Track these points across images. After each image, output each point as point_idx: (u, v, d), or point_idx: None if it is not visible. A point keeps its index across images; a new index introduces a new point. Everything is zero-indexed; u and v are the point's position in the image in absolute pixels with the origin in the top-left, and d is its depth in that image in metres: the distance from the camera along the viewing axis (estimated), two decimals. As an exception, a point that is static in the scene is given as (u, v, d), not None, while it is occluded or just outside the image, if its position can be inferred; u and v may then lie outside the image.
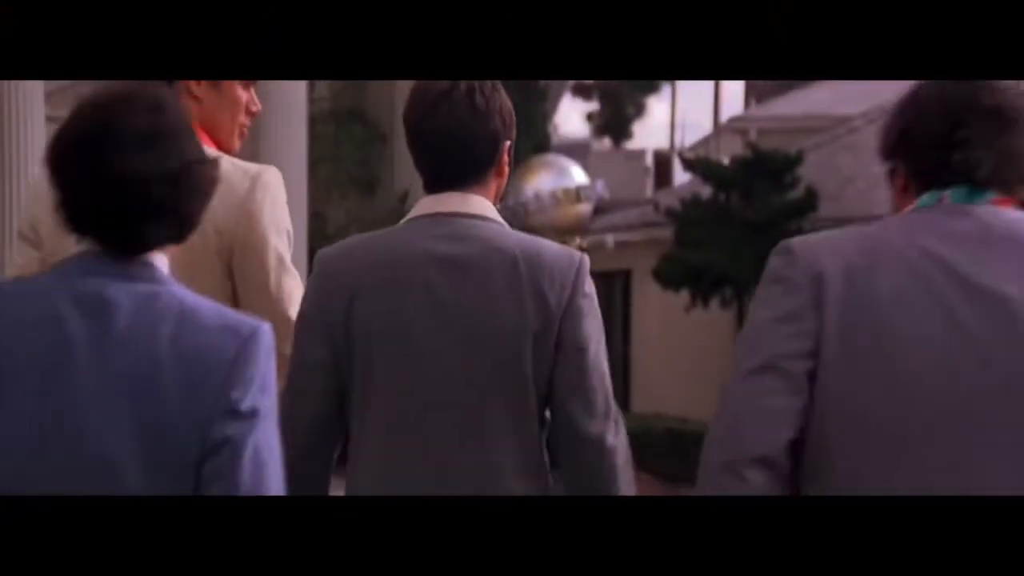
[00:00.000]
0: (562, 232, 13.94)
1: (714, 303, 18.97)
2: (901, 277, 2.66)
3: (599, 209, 17.55)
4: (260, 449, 2.45)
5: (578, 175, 14.66)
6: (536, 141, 18.19)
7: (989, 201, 2.75)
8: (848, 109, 26.11)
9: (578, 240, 14.24)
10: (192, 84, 3.70)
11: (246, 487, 2.43)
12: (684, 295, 18.93)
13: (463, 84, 3.45)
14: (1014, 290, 2.60)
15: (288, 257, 3.64)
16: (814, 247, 2.86)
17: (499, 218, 3.36)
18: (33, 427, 2.41)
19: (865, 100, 26.56)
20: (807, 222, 18.59)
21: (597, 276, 3.67)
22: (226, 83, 3.76)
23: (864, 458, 2.66)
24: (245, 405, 2.46)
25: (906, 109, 2.86)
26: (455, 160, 3.36)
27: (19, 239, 3.71)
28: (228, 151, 3.75)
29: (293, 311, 3.42)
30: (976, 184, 2.74)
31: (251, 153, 16.48)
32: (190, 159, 2.52)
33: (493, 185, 3.41)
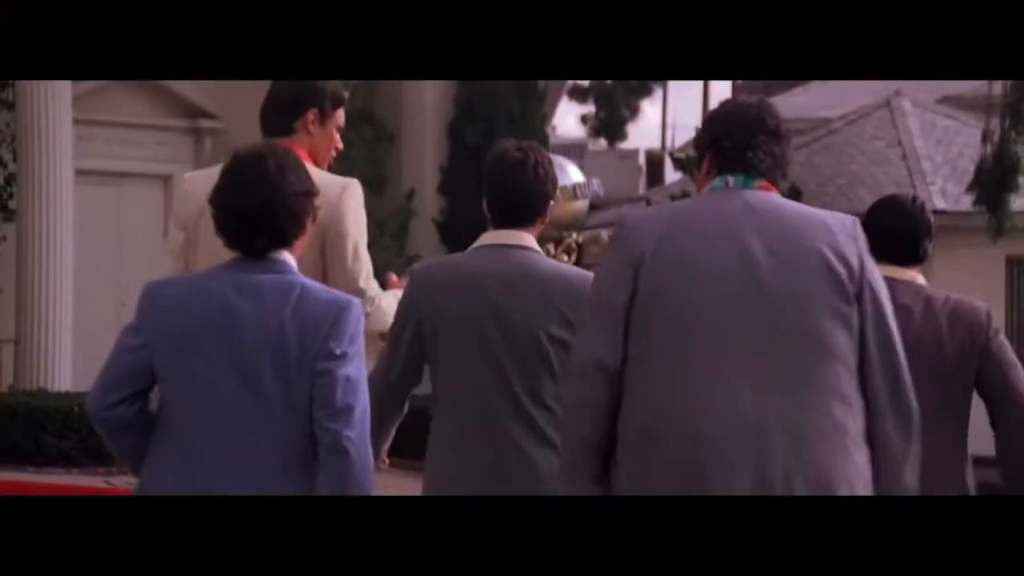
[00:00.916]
0: (560, 227, 13.76)
1: (703, 294, 18.92)
2: (696, 237, 3.66)
3: (595, 206, 17.43)
4: (349, 378, 3.60)
5: (575, 174, 14.46)
6: (535, 141, 18.13)
7: (758, 187, 3.75)
8: (827, 112, 26.07)
9: (575, 235, 14.15)
10: (309, 120, 4.74)
11: (340, 403, 3.59)
12: (675, 287, 18.88)
13: (532, 156, 4.46)
14: (761, 243, 3.60)
15: (363, 245, 4.66)
16: (638, 220, 3.85)
17: (539, 249, 4.44)
18: (215, 371, 3.65)
19: (842, 104, 26.53)
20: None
21: (594, 268, 4.44)
22: (329, 124, 4.83)
23: (653, 366, 3.58)
24: (339, 350, 3.61)
25: (716, 120, 3.87)
26: (520, 210, 4.42)
27: (174, 226, 4.82)
28: (321, 165, 4.77)
29: (362, 283, 4.58)
30: (751, 175, 3.73)
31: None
32: (298, 192, 3.70)
33: (539, 227, 4.46)
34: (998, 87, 17.89)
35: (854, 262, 3.61)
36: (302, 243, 3.81)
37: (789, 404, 3.50)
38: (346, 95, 5.07)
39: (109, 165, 16.59)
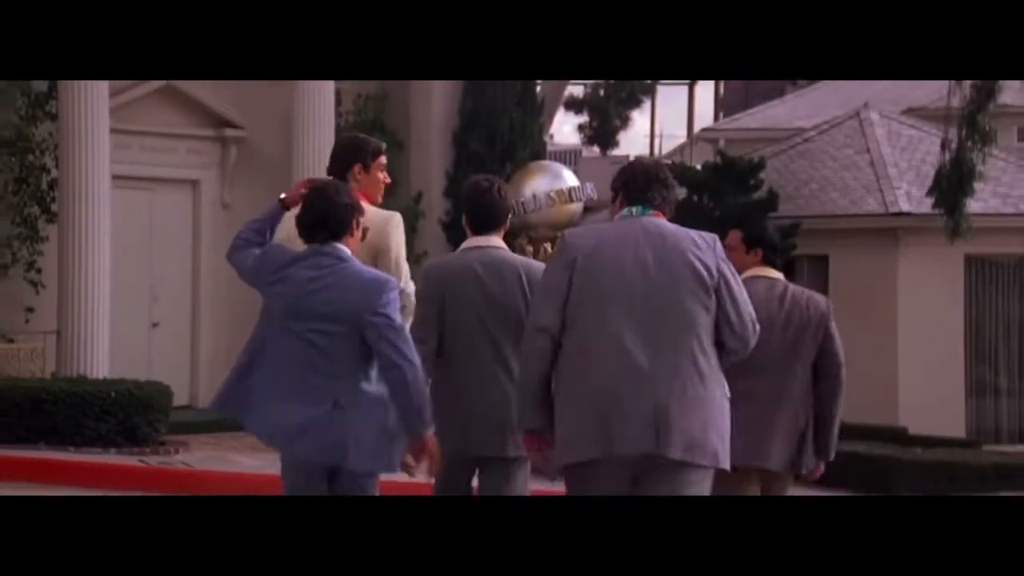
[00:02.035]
0: (556, 227, 13.83)
1: (688, 289, 18.92)
2: (611, 249, 5.10)
3: (588, 208, 17.44)
4: (394, 327, 5.17)
5: (570, 178, 14.51)
6: (533, 149, 18.11)
7: (652, 215, 5.23)
8: (802, 122, 26.10)
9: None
10: (355, 171, 5.95)
11: (388, 345, 5.14)
12: (662, 282, 18.88)
13: (495, 184, 5.89)
14: (651, 254, 5.08)
15: (403, 258, 5.89)
16: (576, 236, 5.25)
17: (506, 247, 5.83)
18: (287, 339, 5.31)
19: (816, 115, 26.57)
20: (768, 219, 18.57)
21: None
22: (372, 170, 6.02)
23: (581, 340, 5.02)
24: (381, 311, 5.16)
25: (626, 172, 5.36)
26: (490, 222, 5.85)
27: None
28: (374, 203, 5.93)
29: (402, 284, 5.68)
30: (648, 207, 5.22)
31: (287, 159, 16.42)
32: (346, 205, 5.38)
33: (502, 231, 5.86)
34: (957, 99, 17.91)
35: (712, 265, 5.13)
36: (353, 241, 5.36)
37: (667, 355, 4.97)
38: (383, 145, 6.20)
39: (143, 171, 16.60)
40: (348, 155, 6.03)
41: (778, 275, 6.64)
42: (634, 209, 5.19)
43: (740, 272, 5.99)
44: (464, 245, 5.83)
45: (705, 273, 5.04)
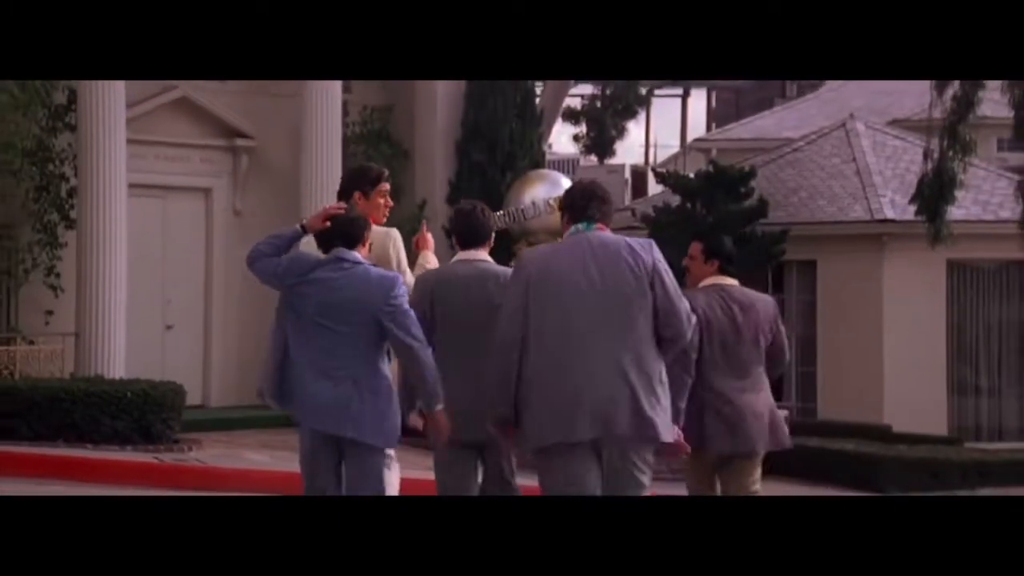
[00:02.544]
0: (554, 233, 13.79)
1: (681, 293, 18.90)
2: (565, 264, 5.68)
3: (585, 215, 17.52)
4: (404, 315, 5.93)
5: (568, 186, 14.50)
6: (533, 158, 18.11)
7: (596, 228, 5.75)
8: (791, 133, 26.10)
9: (568, 241, 14.14)
10: (356, 198, 6.52)
11: (401, 329, 5.91)
12: (656, 286, 18.86)
13: (478, 206, 6.52)
14: (598, 264, 5.62)
15: (405, 264, 6.59)
16: (528, 257, 5.90)
17: (490, 260, 6.44)
18: (309, 305, 6.03)
19: (804, 126, 26.56)
20: (759, 226, 18.62)
21: None
22: (373, 197, 6.59)
23: (541, 343, 5.62)
24: (392, 303, 5.93)
25: (570, 194, 5.95)
26: (475, 238, 6.46)
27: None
28: (378, 223, 6.51)
29: (407, 278, 6.40)
30: (592, 222, 5.75)
31: (296, 168, 16.44)
32: (358, 221, 6.16)
33: (487, 247, 6.45)
34: (938, 111, 17.93)
35: (648, 264, 5.62)
36: (363, 250, 6.11)
37: (616, 346, 5.56)
38: (386, 171, 6.78)
39: (157, 179, 16.62)
40: (350, 183, 6.66)
41: (733, 282, 7.34)
42: (580, 226, 5.75)
43: (699, 280, 7.31)
44: (455, 258, 6.47)
45: (643, 273, 5.58)
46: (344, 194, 6.58)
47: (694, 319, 5.84)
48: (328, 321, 5.95)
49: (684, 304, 5.70)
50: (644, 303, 5.58)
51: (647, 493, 5.63)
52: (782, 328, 7.48)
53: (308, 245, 6.21)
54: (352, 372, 5.95)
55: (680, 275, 6.31)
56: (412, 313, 6.00)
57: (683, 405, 6.58)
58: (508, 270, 6.16)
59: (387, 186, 6.68)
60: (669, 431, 5.67)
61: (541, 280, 5.63)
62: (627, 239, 5.71)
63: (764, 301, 7.42)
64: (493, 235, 6.51)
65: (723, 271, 7.37)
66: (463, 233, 6.42)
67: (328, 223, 6.07)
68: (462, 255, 6.38)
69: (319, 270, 6.00)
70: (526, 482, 6.26)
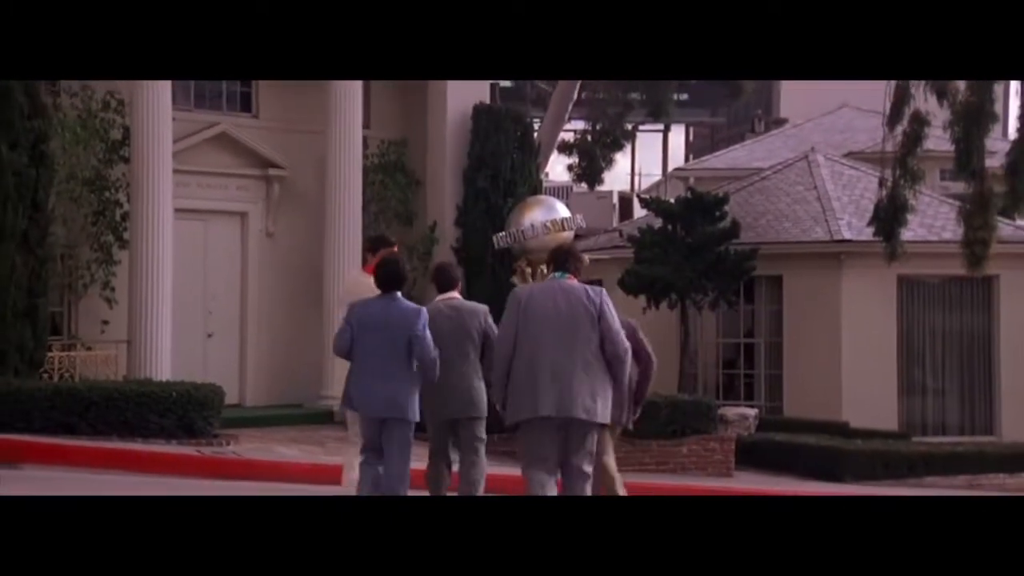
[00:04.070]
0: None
1: (663, 305, 18.95)
2: (543, 299, 7.04)
3: (578, 235, 17.49)
4: (426, 339, 7.43)
5: (563, 210, 14.50)
6: (531, 185, 18.12)
7: (567, 278, 7.16)
8: (760, 163, 26.12)
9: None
10: (368, 254, 8.75)
11: (425, 353, 7.41)
12: (641, 299, 18.90)
13: (451, 265, 8.56)
14: (564, 300, 7.04)
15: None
16: (519, 291, 7.27)
17: (461, 297, 8.20)
18: (366, 351, 7.51)
19: (771, 158, 26.58)
20: (731, 245, 18.64)
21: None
22: (379, 254, 8.33)
23: (520, 357, 6.99)
24: (419, 331, 7.42)
25: (553, 253, 7.55)
26: (450, 284, 8.26)
27: (344, 292, 8.64)
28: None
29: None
30: (564, 272, 7.19)
31: (322, 194, 16.45)
32: (401, 270, 7.70)
33: (459, 288, 8.21)
34: (890, 145, 17.98)
35: (597, 304, 7.08)
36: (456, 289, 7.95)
37: (573, 359, 6.98)
38: (390, 239, 9.17)
39: (199, 204, 16.63)
40: (367, 249, 8.96)
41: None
42: (556, 274, 7.31)
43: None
44: (437, 299, 8.20)
45: (593, 309, 7.06)
46: (367, 253, 8.72)
47: (628, 346, 7.20)
48: (384, 337, 7.54)
49: (623, 338, 7.14)
50: (593, 329, 7.02)
51: (593, 451, 7.12)
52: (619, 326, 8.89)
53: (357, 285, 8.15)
54: (395, 373, 7.53)
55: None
56: (428, 338, 7.52)
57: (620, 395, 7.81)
58: (473, 304, 8.14)
59: (395, 248, 8.79)
60: (606, 415, 7.08)
61: (527, 307, 7.10)
62: (586, 286, 7.18)
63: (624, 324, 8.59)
64: (460, 281, 8.34)
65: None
66: (442, 283, 8.23)
67: (380, 265, 7.70)
68: (442, 296, 8.17)
69: (376, 305, 7.61)
70: (495, 470, 8.46)
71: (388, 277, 7.52)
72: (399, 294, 7.51)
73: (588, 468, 7.03)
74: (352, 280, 9.59)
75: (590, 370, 6.96)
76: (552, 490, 6.88)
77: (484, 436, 8.05)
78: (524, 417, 6.97)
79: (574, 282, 7.22)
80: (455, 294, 8.15)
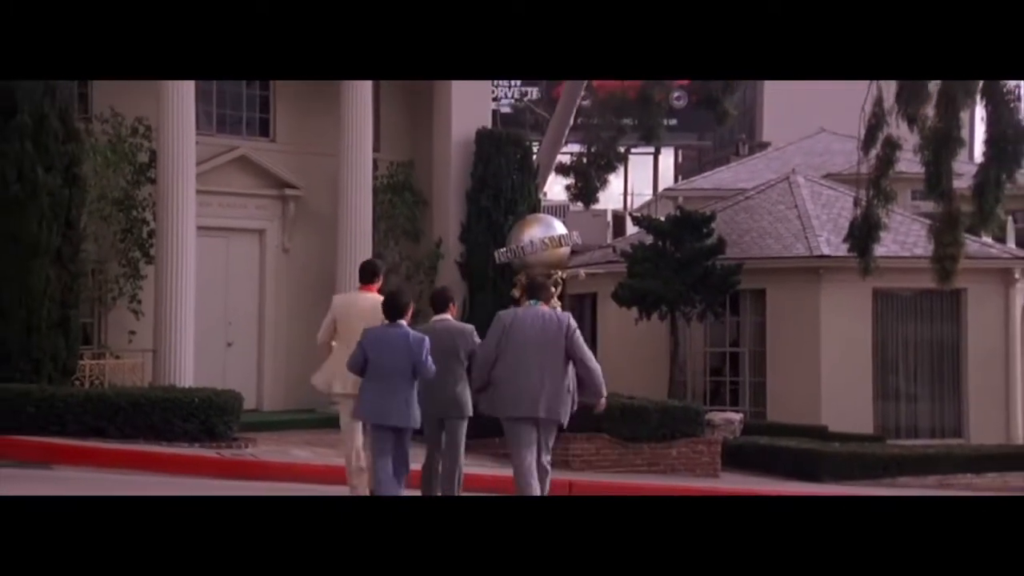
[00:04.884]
0: (549, 267, 13.86)
1: (654, 317, 18.96)
2: (524, 322, 8.11)
3: (575, 251, 17.51)
4: (426, 362, 8.02)
5: (560, 227, 14.52)
6: (530, 204, 18.15)
7: (540, 304, 8.26)
8: (744, 184, 26.15)
9: (560, 273, 14.16)
10: (378, 279, 9.08)
11: (427, 370, 8.04)
12: (633, 311, 18.92)
13: (444, 291, 9.16)
14: (541, 323, 8.10)
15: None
16: (504, 315, 8.29)
17: (452, 318, 8.89)
18: (376, 371, 8.07)
19: (754, 179, 26.61)
20: (718, 260, 18.67)
21: (574, 298, 6.32)
22: (379, 280, 9.06)
23: (505, 367, 8.06)
24: (423, 356, 8.02)
25: (526, 284, 8.85)
26: (443, 307, 8.84)
27: (330, 315, 9.08)
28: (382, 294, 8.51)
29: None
30: (538, 300, 8.28)
31: (334, 213, 16.46)
32: (401, 302, 8.22)
33: (453, 311, 8.94)
34: (865, 167, 18.03)
35: (565, 326, 8.04)
36: (408, 317, 8.12)
37: (547, 373, 7.99)
38: (381, 264, 9.45)
39: (220, 223, 16.66)
40: (375, 273, 9.32)
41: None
42: (531, 302, 8.34)
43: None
44: (432, 320, 8.86)
45: (563, 331, 8.09)
46: (371, 279, 9.09)
47: (594, 364, 8.18)
48: (390, 358, 8.06)
49: (589, 354, 8.17)
50: (561, 347, 8.05)
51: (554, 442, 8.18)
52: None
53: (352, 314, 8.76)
54: (401, 388, 8.10)
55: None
56: (429, 360, 8.15)
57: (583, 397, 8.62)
58: (461, 324, 8.83)
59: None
60: (567, 417, 8.13)
61: (511, 326, 8.16)
62: (556, 312, 8.27)
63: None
64: (454, 304, 9.06)
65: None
66: (436, 305, 8.94)
67: (388, 297, 8.23)
68: (436, 317, 8.86)
69: (385, 332, 8.12)
70: (473, 471, 9.56)
71: (390, 308, 8.25)
72: (403, 322, 8.21)
73: (547, 460, 8.11)
74: (347, 294, 10.43)
75: (557, 378, 8.08)
76: (533, 466, 7.97)
77: (464, 437, 8.85)
78: (507, 415, 8.09)
79: (545, 308, 8.37)
80: (448, 316, 8.94)
